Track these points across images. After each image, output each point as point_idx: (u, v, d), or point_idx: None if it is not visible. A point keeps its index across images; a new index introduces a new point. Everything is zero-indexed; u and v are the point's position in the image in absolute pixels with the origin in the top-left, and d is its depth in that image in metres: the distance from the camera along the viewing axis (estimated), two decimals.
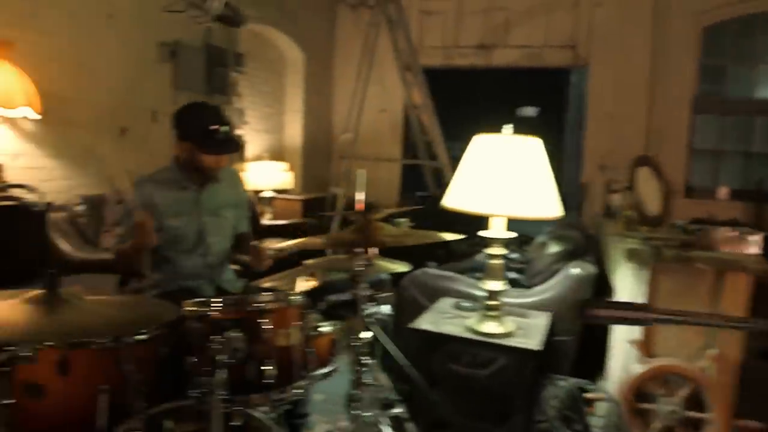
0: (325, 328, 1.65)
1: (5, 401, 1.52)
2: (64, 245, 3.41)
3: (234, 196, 2.41)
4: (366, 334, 1.59)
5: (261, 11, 5.69)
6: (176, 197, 2.21)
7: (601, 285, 2.82)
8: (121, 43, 4.16)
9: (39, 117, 3.23)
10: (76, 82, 3.81)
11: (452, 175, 6.41)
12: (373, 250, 1.76)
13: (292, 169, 6.20)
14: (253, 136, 5.97)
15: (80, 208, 3.59)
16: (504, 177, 2.19)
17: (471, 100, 8.50)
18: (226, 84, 5.18)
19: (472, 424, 2.57)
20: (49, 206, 2.15)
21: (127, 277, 2.91)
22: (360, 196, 2.19)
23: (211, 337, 1.24)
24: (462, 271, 3.06)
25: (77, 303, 1.34)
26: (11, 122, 3.38)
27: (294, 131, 6.72)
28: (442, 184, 6.70)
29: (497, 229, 2.30)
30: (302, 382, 1.37)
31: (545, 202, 2.23)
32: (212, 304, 1.32)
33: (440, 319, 2.57)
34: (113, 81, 4.10)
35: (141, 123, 4.43)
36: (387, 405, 2.24)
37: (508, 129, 2.25)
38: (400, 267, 2.04)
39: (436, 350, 2.50)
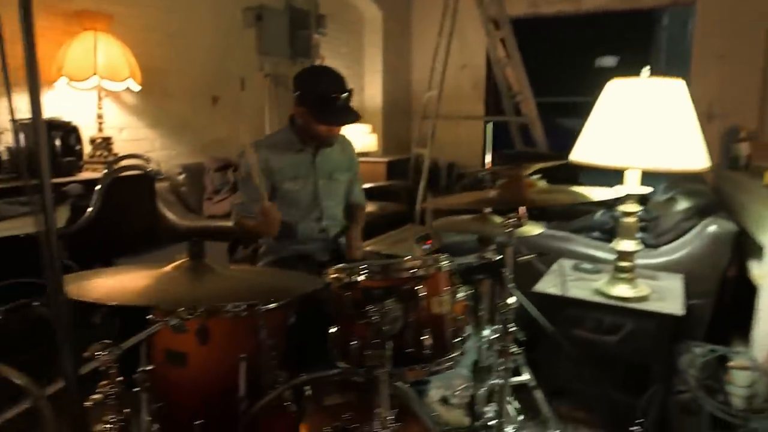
0: (461, 293, 1.53)
1: (147, 367, 1.57)
2: (169, 214, 3.49)
3: (346, 160, 2.34)
4: (511, 300, 1.46)
5: None
6: (292, 160, 2.16)
7: (741, 244, 2.54)
8: (209, 11, 4.15)
9: (139, 88, 3.28)
10: (170, 53, 3.84)
11: (541, 130, 6.07)
12: (523, 210, 1.61)
13: (374, 131, 6.10)
14: None
15: (181, 177, 3.66)
16: (642, 125, 1.96)
17: (548, 53, 8.00)
18: (309, 46, 5.09)
19: (598, 392, 2.42)
20: (159, 175, 2.14)
21: (237, 244, 2.94)
22: (488, 155, 2.03)
23: (368, 306, 1.15)
24: (577, 231, 2.86)
25: (221, 272, 1.30)
26: (115, 96, 3.45)
27: (374, 92, 6.58)
28: (530, 141, 6.40)
29: (631, 184, 2.09)
30: (455, 353, 1.27)
31: (690, 152, 1.98)
32: (361, 271, 1.23)
33: (564, 282, 2.40)
34: (203, 50, 4.11)
35: (231, 91, 4.44)
36: (513, 372, 2.13)
37: (645, 71, 2.01)
38: (535, 228, 1.88)
39: (556, 315, 2.35)
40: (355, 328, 1.23)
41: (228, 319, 1.51)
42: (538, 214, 4.18)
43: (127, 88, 3.28)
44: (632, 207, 2.12)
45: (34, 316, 2.22)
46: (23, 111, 2.83)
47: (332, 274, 1.31)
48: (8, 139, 2.84)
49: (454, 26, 5.82)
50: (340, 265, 1.32)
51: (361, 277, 1.24)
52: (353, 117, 2.09)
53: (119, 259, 2.69)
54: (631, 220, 2.14)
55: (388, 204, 5.04)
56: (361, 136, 5.71)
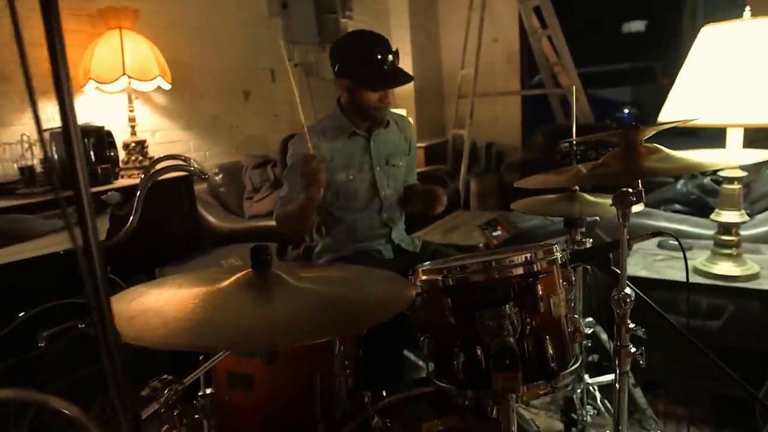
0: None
1: (207, 390, 1.40)
2: (210, 217, 3.34)
3: (404, 143, 2.10)
4: (628, 292, 1.22)
5: None
6: (344, 147, 1.94)
7: None
8: (232, 2, 3.96)
9: (169, 87, 3.11)
10: (197, 49, 3.67)
11: (585, 100, 5.71)
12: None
13: (407, 115, 5.85)
14: None
15: (219, 178, 3.50)
16: (745, 76, 1.68)
17: (572, 22, 7.59)
18: (337, 31, 4.86)
19: (699, 385, 2.17)
20: (204, 175, 1.96)
21: (286, 244, 2.76)
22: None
23: (478, 312, 0.93)
24: (655, 205, 2.58)
25: (293, 284, 1.09)
26: (145, 97, 3.30)
27: None
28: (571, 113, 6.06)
29: (734, 145, 1.81)
30: (576, 363, 1.05)
31: None
32: (466, 268, 1.00)
33: (651, 262, 2.15)
34: (231, 44, 3.93)
35: (262, 85, 4.26)
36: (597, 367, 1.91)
37: (747, 12, 1.72)
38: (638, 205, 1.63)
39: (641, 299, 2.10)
40: (457, 340, 1.02)
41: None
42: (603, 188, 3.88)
43: (158, 88, 3.13)
44: (735, 172, 1.85)
45: (78, 334, 2.08)
46: (52, 120, 2.65)
47: (424, 276, 1.10)
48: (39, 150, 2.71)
49: (485, 1, 5.52)
50: (433, 263, 1.11)
51: (465, 277, 1.02)
52: (405, 77, 1.86)
53: (163, 269, 2.55)
54: (734, 187, 1.87)
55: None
56: None
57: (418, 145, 5.86)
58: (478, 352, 0.99)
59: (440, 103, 6.88)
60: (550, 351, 0.98)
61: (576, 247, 1.60)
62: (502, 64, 6.62)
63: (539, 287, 0.99)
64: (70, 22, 2.93)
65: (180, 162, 1.93)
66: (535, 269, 1.01)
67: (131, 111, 2.99)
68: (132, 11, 2.90)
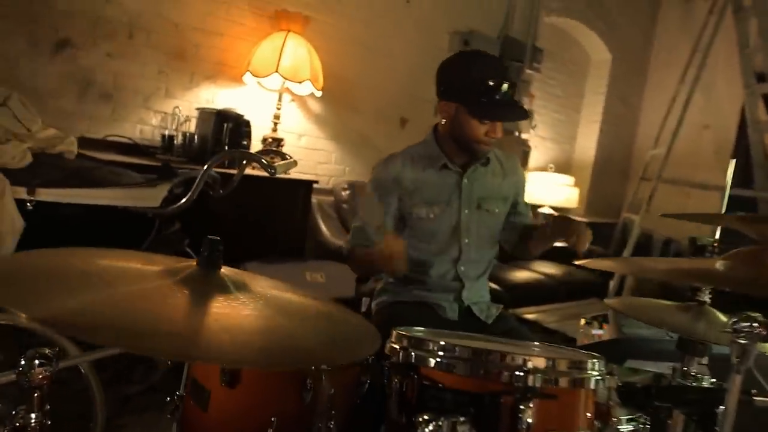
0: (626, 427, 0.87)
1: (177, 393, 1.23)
2: (324, 228, 3.28)
3: (507, 188, 1.77)
4: None
5: (566, 1, 4.98)
6: (431, 178, 1.68)
7: None
8: (415, 30, 3.95)
9: (320, 94, 3.15)
10: (363, 66, 3.70)
11: None
12: None
13: (578, 185, 5.31)
14: (538, 144, 5.27)
15: (346, 194, 3.44)
16: None
17: None
18: (519, 81, 4.61)
19: None
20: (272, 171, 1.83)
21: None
22: None
23: (421, 416, 0.61)
24: None
25: (245, 292, 0.87)
26: (300, 101, 3.40)
27: (587, 143, 5.78)
28: None
29: None
30: None
31: None
32: (435, 350, 0.69)
33: None
34: (400, 69, 3.91)
35: (422, 116, 4.16)
36: None
37: None
38: None
39: None
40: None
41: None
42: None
43: (312, 94, 3.19)
44: None
45: None
46: (211, 102, 2.80)
47: (392, 341, 0.80)
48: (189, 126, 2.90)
49: (700, 75, 4.81)
50: (408, 329, 0.80)
51: (427, 363, 0.69)
52: (521, 113, 1.58)
53: (249, 263, 2.51)
54: None
55: (577, 270, 4.22)
56: (560, 188, 5.00)
57: (583, 219, 5.30)
58: None
59: (623, 183, 6.16)
60: None
61: (683, 381, 1.12)
62: (708, 155, 5.70)
63: (528, 413, 0.63)
64: (250, 18, 3.13)
65: (266, 159, 1.84)
66: (530, 383, 0.64)
67: (278, 108, 3.07)
68: (303, 17, 3.01)
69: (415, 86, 4.04)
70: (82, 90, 2.73)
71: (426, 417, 0.62)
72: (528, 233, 1.76)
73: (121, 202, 1.60)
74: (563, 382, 0.67)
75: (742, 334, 0.75)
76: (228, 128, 2.72)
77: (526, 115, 1.58)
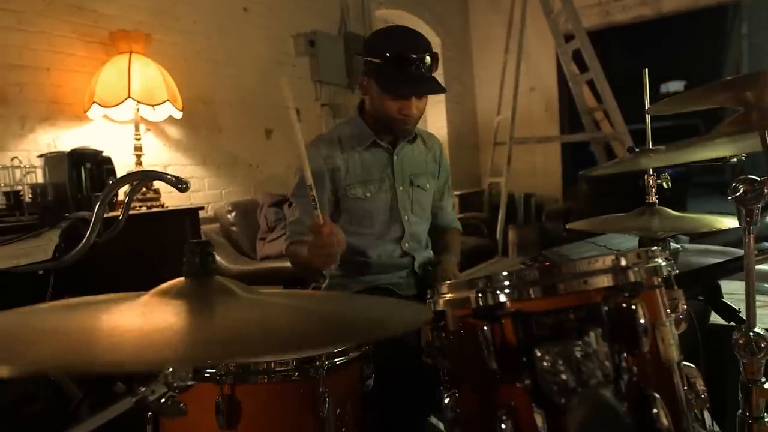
0: None
1: None
2: (220, 258, 3.02)
3: (432, 164, 1.75)
4: (762, 333, 0.81)
5: None
6: (362, 159, 1.60)
7: None
8: (257, 37, 3.81)
9: (180, 115, 2.89)
10: (218, 83, 3.49)
11: (631, 143, 5.35)
12: None
13: None
14: None
15: (232, 216, 3.21)
16: None
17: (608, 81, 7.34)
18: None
19: None
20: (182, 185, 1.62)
21: (295, 285, 2.41)
22: None
23: (540, 346, 0.55)
24: (733, 245, 2.14)
25: (244, 297, 0.73)
26: (157, 129, 3.10)
27: (438, 122, 6.09)
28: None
29: None
30: None
31: None
32: (510, 281, 0.63)
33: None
34: (253, 79, 3.74)
35: (285, 123, 4.03)
36: None
37: None
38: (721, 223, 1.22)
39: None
40: (502, 399, 0.63)
41: (268, 386, 0.94)
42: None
43: (170, 118, 2.91)
44: None
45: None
46: (52, 146, 2.38)
47: (448, 294, 0.72)
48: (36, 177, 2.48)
49: (521, 44, 5.31)
50: (465, 276, 0.73)
51: (515, 294, 0.63)
52: (435, 87, 1.52)
53: None
54: None
55: (468, 238, 4.42)
56: None
57: (454, 193, 5.57)
58: (539, 419, 0.59)
59: (475, 153, 6.60)
60: (664, 422, 0.58)
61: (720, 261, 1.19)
62: (541, 112, 6.34)
63: (640, 310, 0.60)
64: (80, 48, 2.77)
65: (159, 173, 1.62)
66: (633, 279, 0.62)
67: (137, 140, 2.76)
68: (144, 35, 2.73)
69: (272, 93, 3.90)
70: None
71: (543, 349, 0.56)
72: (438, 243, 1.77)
73: (2, 264, 1.28)
74: (646, 275, 0.65)
75: (747, 196, 0.79)
76: (86, 170, 2.36)
77: (441, 89, 1.55)
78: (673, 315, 0.69)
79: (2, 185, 2.40)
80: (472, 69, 6.61)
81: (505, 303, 0.63)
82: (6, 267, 1.34)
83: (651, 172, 1.29)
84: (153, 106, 2.67)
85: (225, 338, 0.65)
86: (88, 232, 1.35)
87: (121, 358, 0.55)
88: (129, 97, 2.55)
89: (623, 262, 0.63)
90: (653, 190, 1.27)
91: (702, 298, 0.98)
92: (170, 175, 1.47)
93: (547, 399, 0.58)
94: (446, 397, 0.77)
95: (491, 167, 5.80)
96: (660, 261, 0.68)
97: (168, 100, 2.67)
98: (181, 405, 0.79)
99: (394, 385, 1.16)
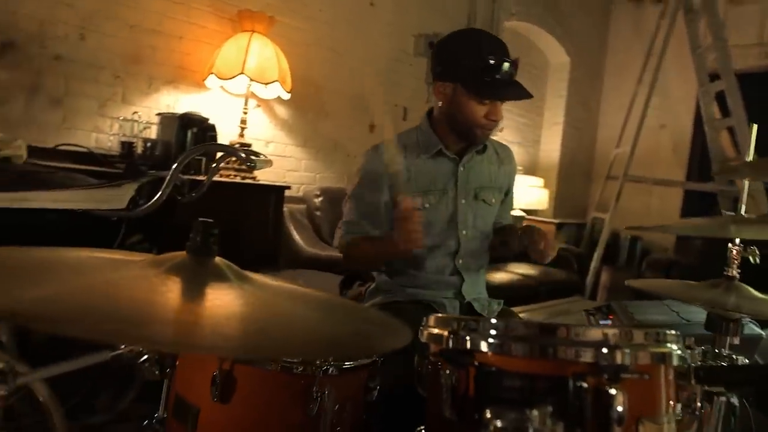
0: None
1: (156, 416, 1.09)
2: (298, 238, 3.13)
3: (502, 178, 1.68)
4: None
5: (524, 5, 5.02)
6: (426, 167, 1.57)
7: None
8: (380, 33, 3.88)
9: (288, 97, 3.02)
10: (330, 70, 3.60)
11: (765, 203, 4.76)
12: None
13: (546, 187, 5.33)
14: None
15: (319, 201, 3.30)
16: None
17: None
18: None
19: None
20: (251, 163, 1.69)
21: (354, 279, 2.43)
22: None
23: (486, 409, 0.49)
24: None
25: (239, 283, 0.74)
26: (266, 106, 3.26)
27: (552, 146, 5.83)
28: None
29: None
30: None
31: None
32: (490, 331, 0.58)
33: None
34: (367, 72, 3.82)
35: (391, 119, 4.08)
36: None
37: None
38: None
39: None
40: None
41: (267, 372, 0.95)
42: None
43: (278, 98, 3.05)
44: None
45: None
46: (172, 107, 2.60)
47: (431, 328, 0.68)
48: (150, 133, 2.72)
49: (656, 77, 4.92)
50: (451, 315, 0.69)
51: (485, 345, 0.58)
52: (523, 92, 1.46)
53: None
54: None
55: (554, 270, 4.21)
56: (530, 190, 4.99)
57: (552, 220, 5.33)
58: None
59: (587, 183, 6.24)
60: None
61: (720, 362, 1.04)
62: (667, 152, 5.84)
63: (620, 398, 0.52)
64: (211, 20, 2.99)
65: (230, 147, 1.71)
66: (619, 360, 0.54)
67: (245, 113, 2.92)
68: (267, 17, 2.88)
69: (383, 89, 3.96)
70: (29, 96, 2.51)
71: (494, 411, 0.50)
72: (496, 231, 1.68)
73: (81, 204, 1.42)
74: (645, 358, 0.56)
75: None
76: (192, 133, 2.55)
77: (528, 94, 1.49)
78: (676, 412, 0.59)
79: (121, 135, 2.67)
80: (600, 95, 6.24)
81: (471, 351, 0.58)
82: (89, 208, 1.48)
83: (738, 242, 1.14)
84: (264, 84, 2.81)
85: (204, 326, 0.66)
86: (160, 190, 1.45)
87: (98, 324, 0.58)
88: (242, 72, 2.71)
89: (612, 339, 0.55)
90: (736, 262, 1.11)
91: (750, 399, 0.84)
92: (242, 151, 1.53)
93: None
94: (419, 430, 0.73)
95: (599, 201, 5.45)
96: (672, 347, 0.59)
97: (277, 81, 2.80)
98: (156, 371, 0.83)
99: (395, 401, 1.12)
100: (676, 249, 5.48)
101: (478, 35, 1.53)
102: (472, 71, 1.43)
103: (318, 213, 3.29)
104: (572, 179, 5.94)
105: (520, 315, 2.15)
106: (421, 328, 0.76)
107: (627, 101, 5.46)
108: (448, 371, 0.58)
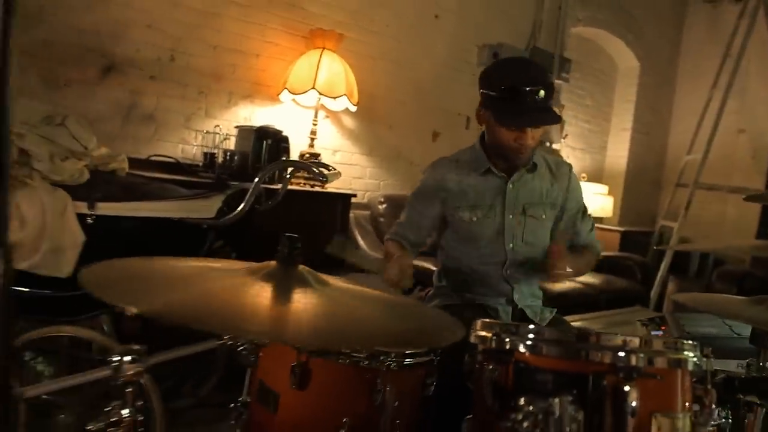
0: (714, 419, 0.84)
1: (240, 399, 1.25)
2: (362, 242, 3.29)
3: (555, 194, 1.75)
4: None
5: (591, 11, 4.98)
6: (476, 184, 1.68)
7: None
8: (444, 44, 3.99)
9: (355, 109, 3.19)
10: (395, 81, 3.75)
11: None
12: None
13: (611, 194, 5.24)
14: (569, 154, 5.24)
15: (382, 208, 3.45)
16: None
17: None
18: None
19: None
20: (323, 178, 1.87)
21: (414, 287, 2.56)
22: None
23: (521, 397, 0.61)
24: None
25: (320, 288, 0.89)
26: (334, 117, 3.45)
27: (618, 152, 5.72)
28: None
29: None
30: None
31: None
32: (527, 334, 0.69)
33: None
34: (430, 82, 3.94)
35: (453, 129, 4.19)
36: None
37: None
38: None
39: None
40: (494, 424, 0.69)
41: (337, 364, 1.09)
42: None
43: (346, 109, 3.23)
44: None
45: None
46: (248, 120, 2.85)
47: (478, 330, 0.80)
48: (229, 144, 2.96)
49: (733, 80, 4.74)
50: (494, 321, 0.80)
51: (522, 346, 0.69)
52: (549, 118, 1.54)
53: None
54: None
55: (617, 279, 4.16)
56: (594, 197, 4.93)
57: (617, 228, 5.23)
58: None
59: (655, 190, 6.06)
60: None
61: (760, 374, 1.09)
62: (745, 159, 5.59)
63: (634, 394, 0.62)
64: (284, 39, 3.21)
65: (303, 163, 1.88)
66: (633, 363, 0.64)
67: (314, 124, 3.12)
68: (337, 34, 3.07)
69: (445, 99, 4.07)
70: (126, 112, 2.81)
71: (527, 399, 0.61)
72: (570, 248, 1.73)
73: (177, 214, 1.64)
74: (661, 362, 0.65)
75: None
76: (267, 144, 2.76)
77: (556, 119, 1.56)
78: (701, 409, 0.68)
79: (204, 146, 2.92)
80: (671, 100, 6.05)
81: (511, 351, 0.69)
82: (184, 217, 1.70)
83: None
84: (332, 98, 2.99)
85: (291, 322, 0.81)
86: (244, 201, 1.65)
87: (216, 321, 0.74)
88: (313, 87, 2.91)
89: (629, 345, 0.64)
90: None
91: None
92: (315, 167, 1.72)
93: None
94: (465, 420, 0.84)
95: (668, 209, 5.30)
96: (689, 354, 0.67)
97: (345, 95, 2.98)
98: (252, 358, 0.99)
99: (448, 396, 1.24)
100: (753, 260, 5.24)
101: (512, 63, 1.63)
102: (498, 100, 1.53)
103: (381, 219, 3.44)
104: (639, 186, 5.80)
105: (575, 323, 2.20)
106: (471, 330, 0.87)
107: (700, 106, 5.28)
108: (491, 367, 0.70)
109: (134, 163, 2.62)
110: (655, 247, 5.00)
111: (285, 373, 1.10)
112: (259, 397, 1.17)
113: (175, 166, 2.78)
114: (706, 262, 5.23)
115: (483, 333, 0.77)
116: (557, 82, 4.78)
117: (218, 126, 2.91)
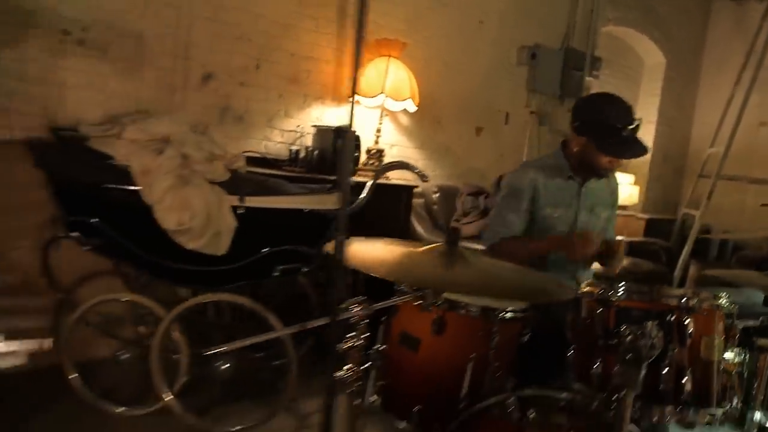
0: (732, 354, 1.27)
1: (381, 346, 1.67)
2: (419, 227, 3.72)
3: (610, 196, 2.21)
4: None
5: (621, 11, 5.30)
6: (559, 186, 2.10)
7: None
8: (487, 47, 4.37)
9: (415, 110, 3.59)
10: (444, 82, 4.14)
11: None
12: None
13: (636, 183, 5.60)
14: None
15: (436, 196, 3.87)
16: None
17: None
18: (580, 88, 4.96)
19: None
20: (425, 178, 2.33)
21: None
22: None
23: (622, 327, 1.02)
24: None
25: (473, 262, 1.32)
26: (393, 116, 3.86)
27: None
28: None
29: None
30: (719, 410, 1.05)
31: None
32: (619, 288, 1.11)
33: None
34: (474, 82, 4.33)
35: (494, 124, 4.58)
36: None
37: None
38: None
39: None
40: (600, 350, 1.12)
41: (466, 316, 1.52)
42: None
43: (404, 110, 3.64)
44: None
45: (298, 287, 2.59)
46: (319, 120, 3.30)
47: (587, 287, 1.22)
48: (306, 141, 3.39)
49: (757, 76, 5.05)
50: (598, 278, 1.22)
51: (621, 294, 1.12)
52: (641, 150, 1.95)
53: None
54: None
55: (643, 262, 4.55)
56: (621, 186, 5.29)
57: (642, 215, 5.60)
58: (614, 363, 1.07)
59: (678, 180, 6.40)
60: (688, 386, 1.02)
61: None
62: (765, 151, 5.90)
63: (690, 323, 1.04)
64: (353, 47, 3.61)
65: (407, 164, 2.30)
66: (690, 305, 1.06)
67: (380, 124, 3.53)
68: (401, 43, 3.46)
69: (488, 97, 4.46)
70: (221, 114, 3.25)
71: (626, 327, 1.04)
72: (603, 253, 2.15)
73: (309, 205, 2.07)
74: (704, 306, 1.07)
75: None
76: (341, 142, 3.18)
77: (645, 151, 1.96)
78: (728, 336, 1.10)
79: (284, 143, 3.36)
80: (695, 94, 6.36)
81: (613, 299, 1.11)
82: (312, 207, 2.14)
83: None
84: (399, 101, 3.41)
85: (462, 281, 1.24)
86: (363, 193, 2.08)
87: (416, 279, 1.17)
88: (382, 92, 3.32)
89: (687, 294, 1.06)
90: None
91: None
92: (418, 169, 2.14)
93: (626, 354, 1.06)
94: (570, 348, 1.26)
95: (690, 198, 5.65)
96: (722, 301, 1.10)
97: (409, 98, 3.39)
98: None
99: (541, 342, 1.66)
100: None
101: (608, 101, 2.01)
102: (599, 132, 1.93)
103: (435, 207, 3.87)
104: (663, 176, 6.14)
105: None
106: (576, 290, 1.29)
107: (724, 100, 5.58)
108: (599, 310, 1.12)
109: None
110: (699, 236, 5.31)
111: (426, 323, 1.54)
112: (402, 341, 1.60)
113: (262, 161, 3.22)
114: (726, 248, 5.59)
115: (589, 289, 1.20)
116: (588, 79, 5.13)
117: (299, 126, 3.34)
